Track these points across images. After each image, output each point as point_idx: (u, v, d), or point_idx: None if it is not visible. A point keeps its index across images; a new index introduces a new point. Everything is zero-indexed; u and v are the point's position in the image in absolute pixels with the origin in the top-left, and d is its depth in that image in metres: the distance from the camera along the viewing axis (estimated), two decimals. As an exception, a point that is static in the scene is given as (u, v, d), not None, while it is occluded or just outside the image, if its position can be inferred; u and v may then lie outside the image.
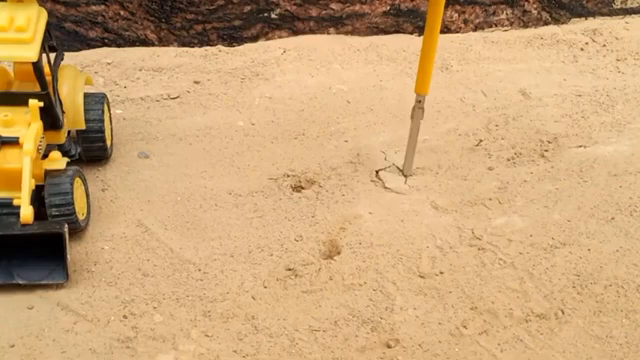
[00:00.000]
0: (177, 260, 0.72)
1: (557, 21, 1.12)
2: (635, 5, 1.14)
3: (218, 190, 0.82)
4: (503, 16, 1.13)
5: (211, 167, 0.85)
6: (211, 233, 0.76)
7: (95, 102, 0.80)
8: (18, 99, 0.71)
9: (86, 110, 0.79)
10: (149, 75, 0.98)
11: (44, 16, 0.70)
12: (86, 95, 0.81)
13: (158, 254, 0.73)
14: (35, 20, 0.68)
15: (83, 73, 0.81)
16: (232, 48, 1.03)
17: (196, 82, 0.98)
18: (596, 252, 0.74)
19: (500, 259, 0.73)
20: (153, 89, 0.96)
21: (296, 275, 0.71)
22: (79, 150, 0.79)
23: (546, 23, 1.12)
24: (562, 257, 0.73)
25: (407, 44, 1.06)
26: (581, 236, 0.76)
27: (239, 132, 0.91)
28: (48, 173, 0.71)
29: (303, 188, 0.83)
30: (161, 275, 0.71)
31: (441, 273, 0.71)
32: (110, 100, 0.94)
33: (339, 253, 0.74)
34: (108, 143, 0.82)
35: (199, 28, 1.02)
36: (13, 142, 0.68)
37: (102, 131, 0.80)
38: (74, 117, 0.77)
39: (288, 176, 0.84)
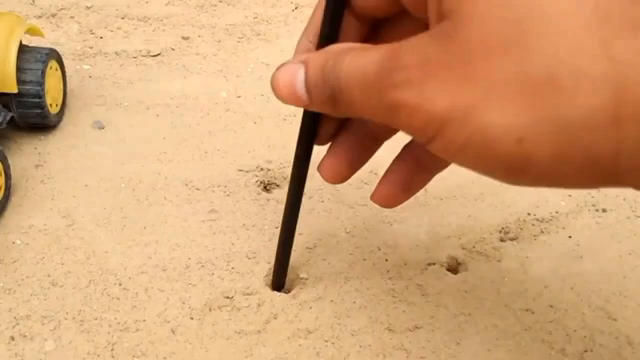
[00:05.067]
0: (97, 268, 0.59)
1: None
2: None
3: (173, 179, 0.67)
4: None
5: (173, 148, 0.70)
6: (148, 236, 0.62)
7: (35, 60, 0.66)
8: None
9: (21, 69, 0.65)
10: (132, 25, 0.83)
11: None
12: (26, 50, 0.67)
13: (77, 257, 0.60)
14: None
15: (24, 23, 0.67)
16: (236, -1, 0.86)
17: (184, 38, 0.83)
18: None
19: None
20: (132, 43, 0.82)
21: (233, 307, 0.56)
22: (9, 117, 0.66)
23: None
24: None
25: None
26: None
27: (219, 105, 0.75)
28: None
29: (277, 186, 0.67)
30: (72, 286, 0.58)
31: (416, 328, 0.55)
32: (81, 53, 0.80)
33: (291, 284, 0.58)
34: (52, 109, 0.69)
35: (200, -30, 0.85)
36: None
37: (40, 96, 0.66)
38: (2, 77, 0.64)
39: (262, 169, 0.68)
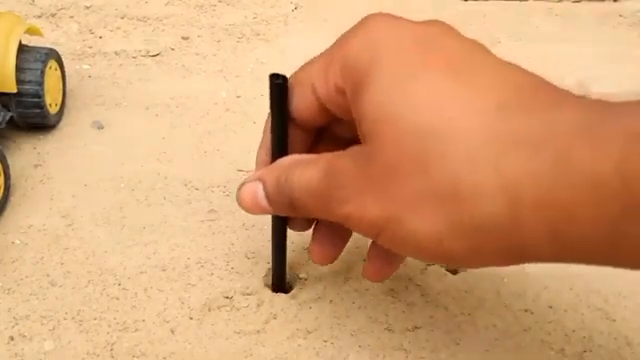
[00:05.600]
0: (96, 268, 0.59)
1: (646, -6, 0.90)
2: None
3: (172, 179, 0.67)
4: (578, -18, 0.91)
5: (172, 148, 0.70)
6: (148, 236, 0.62)
7: (34, 60, 0.66)
8: None
9: (20, 69, 0.65)
10: (131, 25, 0.83)
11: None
12: (26, 50, 0.67)
13: (76, 257, 0.60)
14: None
15: (23, 22, 0.67)
16: (235, -1, 0.87)
17: (184, 38, 0.83)
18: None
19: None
20: (132, 42, 0.82)
21: (232, 307, 0.56)
22: (8, 117, 0.66)
23: (631, -5, 0.90)
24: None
25: None
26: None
27: (219, 105, 0.75)
28: None
29: (276, 186, 0.67)
30: (71, 286, 0.58)
31: (416, 328, 0.55)
32: (80, 52, 0.80)
33: (292, 284, 0.58)
34: (51, 109, 0.69)
35: (200, -29, 0.85)
36: None
37: (39, 95, 0.66)
38: (2, 77, 0.64)
39: (261, 169, 0.68)
